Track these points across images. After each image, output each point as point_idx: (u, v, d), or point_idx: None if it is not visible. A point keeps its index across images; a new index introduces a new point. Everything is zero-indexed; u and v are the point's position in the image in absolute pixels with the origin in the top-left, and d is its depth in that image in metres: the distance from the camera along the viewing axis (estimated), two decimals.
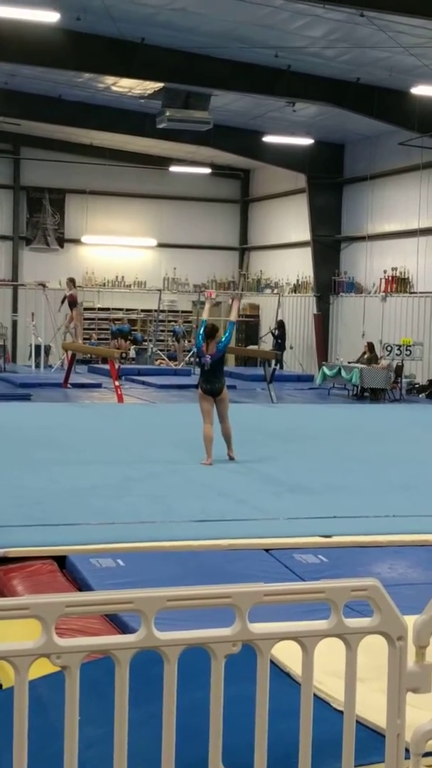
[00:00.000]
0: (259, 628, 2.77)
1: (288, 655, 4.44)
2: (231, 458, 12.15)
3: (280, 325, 30.38)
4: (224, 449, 12.15)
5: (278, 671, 4.57)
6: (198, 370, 22.77)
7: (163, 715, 2.74)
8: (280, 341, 30.17)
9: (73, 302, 26.08)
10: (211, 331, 12.09)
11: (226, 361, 13.72)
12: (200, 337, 12.14)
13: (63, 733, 2.71)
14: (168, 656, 2.69)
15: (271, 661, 2.91)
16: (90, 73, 23.26)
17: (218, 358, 12.00)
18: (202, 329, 12.14)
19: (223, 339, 12.23)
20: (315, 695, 3.07)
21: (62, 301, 27.04)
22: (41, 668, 3.36)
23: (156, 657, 2.77)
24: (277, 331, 30.12)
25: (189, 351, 30.89)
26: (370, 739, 3.79)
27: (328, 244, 29.51)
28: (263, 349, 30.08)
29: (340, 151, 29.31)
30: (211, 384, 11.93)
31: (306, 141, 26.79)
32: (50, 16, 17.53)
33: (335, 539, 8.27)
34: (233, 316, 13.14)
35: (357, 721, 3.03)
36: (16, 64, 22.06)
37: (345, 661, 2.90)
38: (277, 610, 3.44)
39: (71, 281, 26.65)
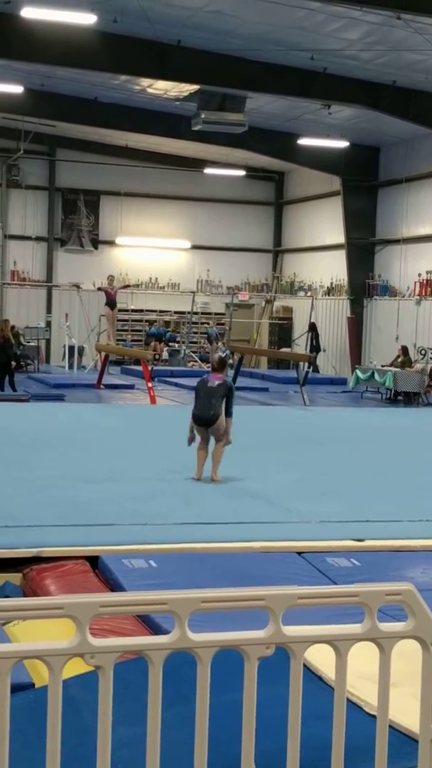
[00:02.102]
0: (292, 630, 2.76)
1: (320, 658, 4.44)
2: (214, 480, 10.67)
3: (313, 328, 30.35)
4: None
5: (310, 674, 4.55)
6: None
7: (196, 717, 2.74)
8: (313, 343, 30.15)
9: (110, 301, 26.08)
10: (219, 364, 11.21)
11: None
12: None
13: (95, 733, 2.72)
14: (201, 658, 2.69)
15: (303, 665, 2.91)
16: (126, 75, 23.33)
17: (221, 387, 10.67)
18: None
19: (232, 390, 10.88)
20: (347, 699, 3.06)
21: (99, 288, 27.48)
22: (73, 668, 3.37)
23: (188, 659, 2.77)
24: (311, 335, 30.13)
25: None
26: (403, 744, 3.77)
27: (363, 246, 29.43)
28: (296, 352, 30.05)
29: (375, 154, 29.23)
30: (205, 410, 10.65)
31: (341, 143, 26.75)
32: (87, 18, 17.63)
33: (368, 543, 8.24)
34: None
35: (390, 726, 3.02)
36: (52, 66, 22.18)
37: (378, 666, 2.88)
38: (307, 613, 3.42)
39: (110, 278, 26.79)
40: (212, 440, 10.82)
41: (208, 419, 10.63)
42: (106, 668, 2.63)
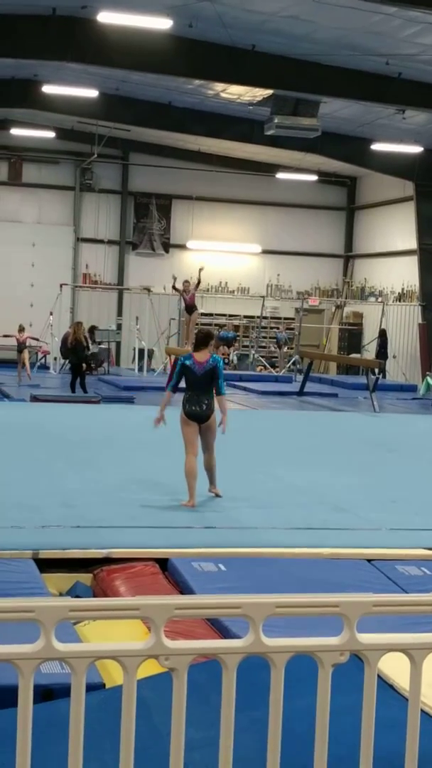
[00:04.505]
0: (367, 638, 2.75)
1: (391, 666, 4.40)
2: (216, 495, 9.80)
3: (382, 334, 30.17)
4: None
5: (381, 683, 4.52)
6: (300, 378, 22.54)
7: (270, 721, 2.73)
8: (382, 350, 29.97)
9: (188, 306, 25.25)
10: (204, 339, 9.80)
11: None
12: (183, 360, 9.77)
13: (165, 735, 2.73)
14: (275, 663, 2.69)
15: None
16: (200, 80, 23.42)
17: (211, 370, 9.49)
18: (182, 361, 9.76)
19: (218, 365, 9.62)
20: (420, 709, 3.04)
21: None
22: (142, 670, 3.39)
23: (259, 663, 2.76)
24: (379, 340, 29.97)
25: (290, 358, 30.88)
26: None
27: None
28: (366, 358, 29.89)
29: None
30: (199, 404, 9.44)
31: (415, 149, 26.55)
32: (163, 23, 17.73)
33: None
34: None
35: None
36: (127, 71, 22.34)
37: None
38: (372, 621, 3.38)
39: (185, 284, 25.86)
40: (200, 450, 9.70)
41: (201, 415, 9.48)
42: (181, 670, 2.64)
